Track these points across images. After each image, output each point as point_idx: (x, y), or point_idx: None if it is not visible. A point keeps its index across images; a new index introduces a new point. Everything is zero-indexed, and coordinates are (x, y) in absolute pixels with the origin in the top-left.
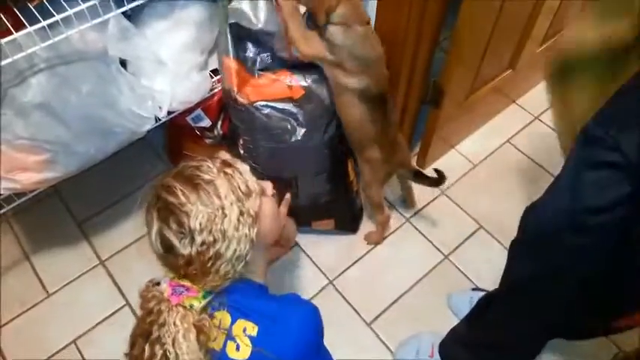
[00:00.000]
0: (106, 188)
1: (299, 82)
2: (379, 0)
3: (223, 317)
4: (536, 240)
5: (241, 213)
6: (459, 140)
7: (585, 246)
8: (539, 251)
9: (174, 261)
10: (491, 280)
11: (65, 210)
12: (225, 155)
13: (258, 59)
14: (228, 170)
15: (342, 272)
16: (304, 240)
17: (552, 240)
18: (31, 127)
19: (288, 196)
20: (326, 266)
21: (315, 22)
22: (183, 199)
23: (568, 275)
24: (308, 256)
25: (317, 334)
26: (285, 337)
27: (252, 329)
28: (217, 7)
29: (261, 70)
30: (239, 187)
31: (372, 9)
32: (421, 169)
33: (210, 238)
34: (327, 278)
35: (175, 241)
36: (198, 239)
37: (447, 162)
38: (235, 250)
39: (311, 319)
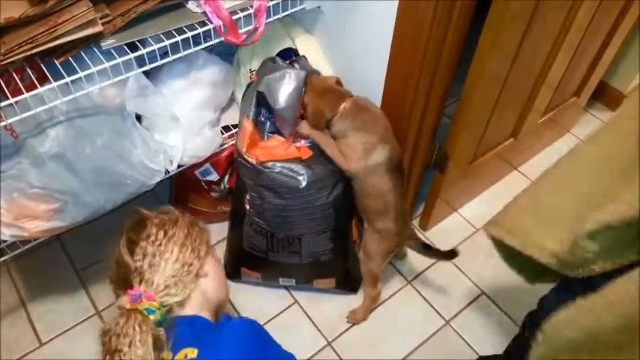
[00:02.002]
0: (108, 237)
1: (307, 143)
2: (389, 68)
3: (167, 356)
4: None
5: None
6: (461, 204)
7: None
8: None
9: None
10: (491, 348)
11: (65, 257)
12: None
13: (269, 123)
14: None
15: (341, 334)
16: (304, 298)
17: None
18: (45, 176)
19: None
20: (324, 326)
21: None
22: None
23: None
24: (307, 314)
25: (256, 335)
26: (223, 344)
27: (192, 352)
28: (234, 69)
29: (271, 132)
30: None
31: (381, 77)
32: (429, 244)
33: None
34: (326, 339)
35: (126, 257)
36: (143, 244)
37: (449, 225)
38: (178, 258)
39: (249, 324)
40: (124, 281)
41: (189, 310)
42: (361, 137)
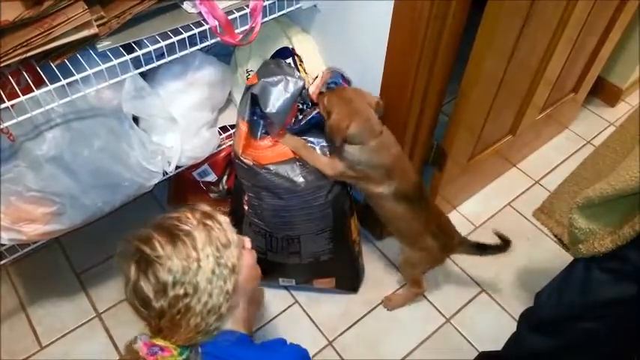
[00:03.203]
0: (107, 239)
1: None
2: (386, 66)
3: None
4: (548, 322)
5: (217, 264)
6: (460, 201)
7: (596, 328)
8: (553, 330)
9: (147, 314)
10: (492, 345)
11: (65, 260)
12: (205, 207)
13: (262, 122)
14: (208, 222)
15: (342, 333)
16: (304, 298)
17: (564, 323)
18: (42, 179)
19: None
20: (325, 326)
21: (333, 144)
22: (160, 251)
23: (580, 351)
24: (307, 314)
25: None
26: None
27: None
28: (231, 69)
29: (265, 132)
30: (218, 239)
31: (378, 75)
32: (481, 242)
33: (181, 291)
34: (326, 339)
35: (150, 294)
36: (171, 293)
37: None
38: (207, 302)
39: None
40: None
41: (236, 328)
42: (369, 173)
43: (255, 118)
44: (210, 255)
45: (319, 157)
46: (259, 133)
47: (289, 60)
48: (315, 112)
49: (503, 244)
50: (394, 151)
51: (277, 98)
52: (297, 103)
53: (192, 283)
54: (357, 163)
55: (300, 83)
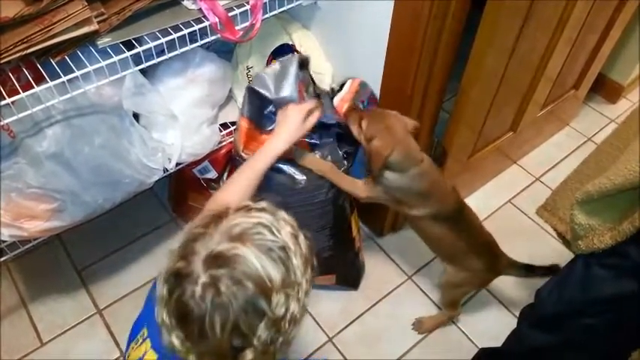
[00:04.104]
0: (108, 236)
1: (305, 139)
2: (386, 63)
3: None
4: (549, 319)
5: (306, 293)
6: None
7: (596, 325)
8: (553, 327)
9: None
10: (492, 341)
11: (65, 256)
12: (276, 208)
13: (273, 118)
14: (297, 232)
15: (342, 329)
16: None
17: (564, 320)
18: (43, 176)
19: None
20: (325, 322)
21: (370, 170)
22: (267, 282)
23: (580, 347)
24: (307, 311)
25: None
26: None
27: None
28: (232, 66)
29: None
30: (307, 256)
31: (379, 72)
32: (529, 263)
33: (286, 326)
34: (327, 335)
35: (252, 329)
36: (272, 332)
37: None
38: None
39: None
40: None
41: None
42: (407, 199)
43: (265, 113)
44: (306, 275)
45: (350, 180)
46: (264, 129)
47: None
48: (334, 121)
49: (553, 267)
50: (433, 178)
51: (277, 83)
52: (301, 82)
53: (292, 316)
54: (395, 189)
55: (295, 58)
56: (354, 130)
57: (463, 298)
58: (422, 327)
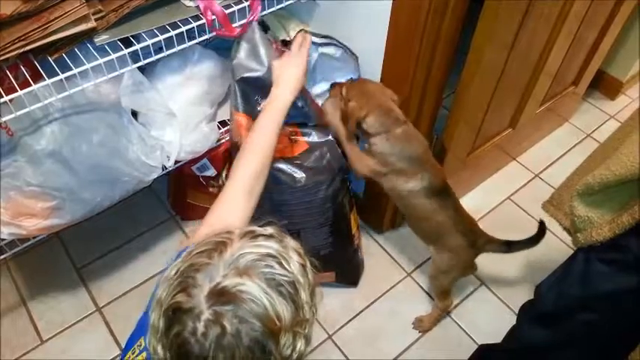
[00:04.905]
0: (107, 234)
1: (304, 137)
2: (385, 60)
3: None
4: (548, 315)
5: (311, 324)
6: (460, 195)
7: (596, 320)
8: (553, 322)
9: None
10: (491, 338)
11: (65, 254)
12: (285, 236)
13: None
14: (302, 261)
15: (342, 327)
16: None
17: (564, 315)
18: (42, 174)
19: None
20: (325, 320)
21: (352, 132)
22: (276, 320)
23: (580, 343)
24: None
25: None
26: None
27: None
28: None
29: None
30: (313, 288)
31: (378, 68)
32: (509, 240)
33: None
34: (326, 332)
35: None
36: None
37: None
38: None
39: None
40: None
41: None
42: (399, 164)
43: (259, 109)
44: (314, 309)
45: (357, 150)
46: None
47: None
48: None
49: (532, 239)
50: (421, 140)
51: (255, 56)
52: (271, 40)
53: (301, 352)
54: (388, 155)
55: (255, 26)
56: (337, 101)
57: (452, 285)
58: (423, 325)
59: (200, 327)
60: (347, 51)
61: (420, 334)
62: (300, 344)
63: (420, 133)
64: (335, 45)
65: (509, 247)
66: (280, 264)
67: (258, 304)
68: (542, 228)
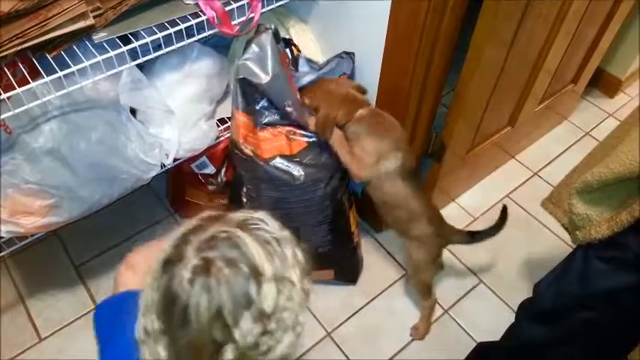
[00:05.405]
0: (106, 231)
1: (303, 137)
2: (385, 57)
3: None
4: (547, 313)
5: (303, 291)
6: (459, 193)
7: (595, 318)
8: (552, 321)
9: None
10: (490, 335)
11: (63, 252)
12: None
13: (266, 113)
14: (286, 232)
15: (341, 324)
16: None
17: (563, 313)
18: (40, 172)
19: None
20: (324, 317)
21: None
22: (259, 263)
23: (579, 341)
24: (306, 306)
25: None
26: None
27: None
28: (228, 60)
29: (268, 124)
30: (299, 258)
31: (377, 66)
32: (474, 230)
33: (272, 326)
34: (325, 330)
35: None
36: (257, 329)
37: (447, 214)
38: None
39: None
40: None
41: None
42: (375, 142)
43: (256, 108)
44: (300, 278)
45: (350, 153)
46: (260, 125)
47: (287, 50)
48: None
49: (494, 227)
50: (393, 121)
51: (261, 64)
52: (282, 52)
53: (281, 317)
54: (364, 134)
55: (269, 33)
56: (307, 106)
57: (431, 280)
58: (419, 332)
59: (187, 275)
60: (342, 56)
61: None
62: (283, 303)
63: (392, 118)
64: (330, 62)
65: (473, 237)
66: (272, 224)
67: (246, 250)
68: (504, 214)
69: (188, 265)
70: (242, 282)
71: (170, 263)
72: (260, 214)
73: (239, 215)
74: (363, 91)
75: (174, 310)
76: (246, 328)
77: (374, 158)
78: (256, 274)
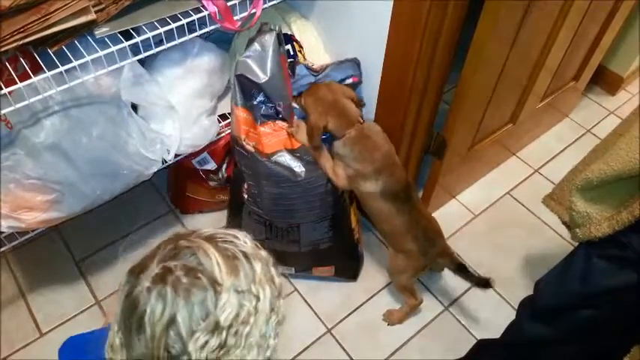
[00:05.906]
0: (107, 227)
1: None
2: (386, 53)
3: None
4: (548, 311)
5: (272, 310)
6: (460, 190)
7: (596, 317)
8: (552, 319)
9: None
10: (490, 333)
11: (64, 247)
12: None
13: (264, 107)
14: (261, 252)
15: (341, 320)
16: (304, 286)
17: (563, 311)
18: (41, 167)
19: None
20: (324, 314)
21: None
22: (218, 275)
23: (579, 339)
24: (306, 302)
25: None
26: None
27: None
28: (229, 56)
29: (266, 116)
30: (274, 278)
31: (379, 62)
32: (464, 264)
33: (229, 340)
34: (326, 326)
35: (190, 333)
36: (213, 342)
37: (448, 211)
38: None
39: None
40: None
41: None
42: (357, 167)
43: (254, 103)
44: (269, 296)
45: (333, 166)
46: (259, 120)
47: (288, 46)
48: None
49: (484, 282)
50: (381, 144)
51: (261, 63)
52: (283, 56)
53: (241, 332)
54: (348, 157)
55: (274, 35)
56: (299, 121)
57: (411, 283)
58: (391, 319)
59: (146, 282)
60: (345, 61)
61: (419, 327)
62: (244, 315)
63: (382, 132)
64: (332, 66)
65: (460, 270)
66: (244, 242)
67: (206, 261)
68: (488, 283)
69: (149, 275)
70: (200, 291)
71: (134, 273)
72: (236, 232)
73: (210, 230)
74: (360, 104)
75: (132, 319)
76: (201, 340)
77: (355, 179)
78: (215, 285)
